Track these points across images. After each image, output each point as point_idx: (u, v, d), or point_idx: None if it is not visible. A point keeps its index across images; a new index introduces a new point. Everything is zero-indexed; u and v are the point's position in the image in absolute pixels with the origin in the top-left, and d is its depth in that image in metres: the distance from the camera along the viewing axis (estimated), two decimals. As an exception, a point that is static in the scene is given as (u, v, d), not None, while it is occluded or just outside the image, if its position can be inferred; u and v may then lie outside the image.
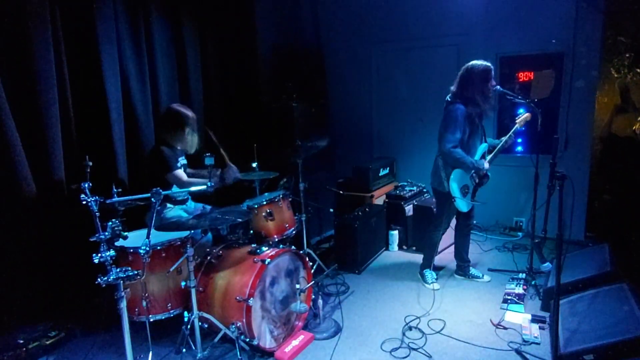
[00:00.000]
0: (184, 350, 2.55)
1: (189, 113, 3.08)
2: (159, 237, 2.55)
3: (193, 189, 2.83)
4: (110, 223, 2.01)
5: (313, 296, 3.01)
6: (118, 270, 1.99)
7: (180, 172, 2.99)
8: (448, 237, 3.87)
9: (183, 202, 3.19)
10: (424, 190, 4.59)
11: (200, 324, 2.53)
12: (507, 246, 4.30)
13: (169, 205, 3.08)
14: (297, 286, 2.83)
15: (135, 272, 2.03)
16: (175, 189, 2.94)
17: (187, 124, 3.04)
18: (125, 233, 2.05)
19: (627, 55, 4.02)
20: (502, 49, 4.42)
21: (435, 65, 4.81)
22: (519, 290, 3.22)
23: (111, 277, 1.96)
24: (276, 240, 3.12)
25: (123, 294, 2.03)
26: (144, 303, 2.49)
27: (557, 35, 4.13)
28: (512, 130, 3.29)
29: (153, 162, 3.01)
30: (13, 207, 2.64)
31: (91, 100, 3.06)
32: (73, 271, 2.89)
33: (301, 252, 2.98)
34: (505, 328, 2.82)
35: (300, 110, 4.30)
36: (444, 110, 3.16)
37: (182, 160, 3.12)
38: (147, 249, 2.14)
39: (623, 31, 4.00)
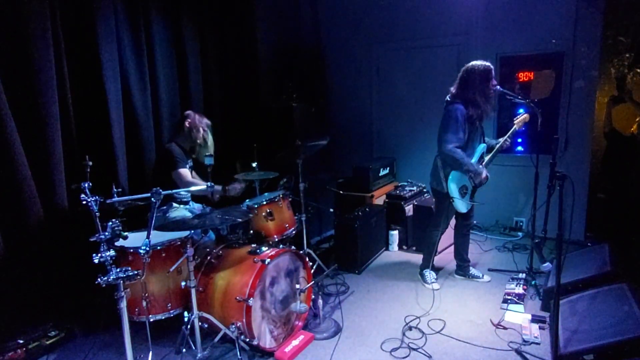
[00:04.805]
0: (184, 350, 2.55)
1: (204, 119, 3.26)
2: (159, 237, 2.55)
3: (193, 188, 2.86)
4: (110, 223, 2.01)
5: (313, 296, 3.01)
6: (118, 270, 1.99)
7: (185, 171, 3.06)
8: (448, 237, 3.87)
9: (187, 202, 3.21)
10: (424, 190, 4.59)
11: (200, 324, 2.53)
12: (507, 246, 4.30)
13: (174, 205, 3.10)
14: (297, 286, 2.83)
15: (135, 272, 2.03)
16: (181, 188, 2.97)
17: (201, 129, 3.19)
18: (125, 233, 2.05)
19: (627, 55, 4.03)
20: (502, 49, 4.42)
21: (435, 65, 4.81)
22: (519, 290, 3.22)
23: (111, 277, 1.96)
24: (276, 240, 3.12)
25: (123, 294, 2.03)
26: (144, 303, 2.49)
27: (557, 35, 4.13)
28: (511, 131, 3.29)
29: (161, 160, 3.14)
30: (13, 207, 2.64)
31: (91, 100, 3.06)
32: (73, 271, 2.89)
33: (301, 252, 2.98)
34: (505, 328, 2.82)
35: (300, 110, 4.31)
36: (443, 110, 3.16)
37: (190, 163, 3.19)
38: (147, 249, 2.14)
39: (623, 31, 4.00)
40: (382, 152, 5.35)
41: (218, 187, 3.09)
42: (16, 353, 2.54)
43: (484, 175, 3.20)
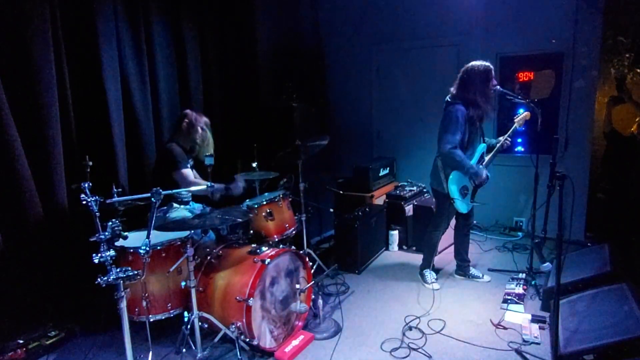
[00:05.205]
0: (184, 350, 2.55)
1: (202, 117, 3.23)
2: (159, 237, 2.55)
3: (194, 188, 2.86)
4: (110, 223, 2.01)
5: (313, 296, 3.01)
6: (118, 270, 1.99)
7: (188, 171, 3.07)
8: (448, 238, 3.87)
9: (187, 202, 3.20)
10: (424, 190, 4.59)
11: (200, 324, 2.53)
12: (507, 246, 4.30)
13: (174, 205, 3.09)
14: (297, 286, 2.83)
15: (135, 272, 2.03)
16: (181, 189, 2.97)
17: (199, 128, 3.17)
18: (125, 233, 2.05)
19: (627, 55, 4.02)
20: (502, 49, 4.42)
21: (435, 65, 4.81)
22: (519, 290, 3.22)
23: (111, 277, 1.96)
24: (276, 240, 3.12)
25: (123, 294, 2.03)
26: (144, 303, 2.49)
27: (557, 35, 4.13)
28: (511, 130, 3.30)
29: (162, 160, 3.12)
30: (13, 207, 2.64)
31: (91, 100, 3.06)
32: (73, 271, 2.89)
33: (301, 252, 2.98)
34: (505, 328, 2.82)
35: (300, 110, 4.30)
36: (443, 111, 3.16)
37: (190, 163, 3.20)
38: (147, 249, 2.14)
39: (623, 31, 4.00)
40: (382, 152, 5.35)
41: (220, 186, 3.09)
42: (16, 353, 2.54)
43: (484, 176, 3.21)
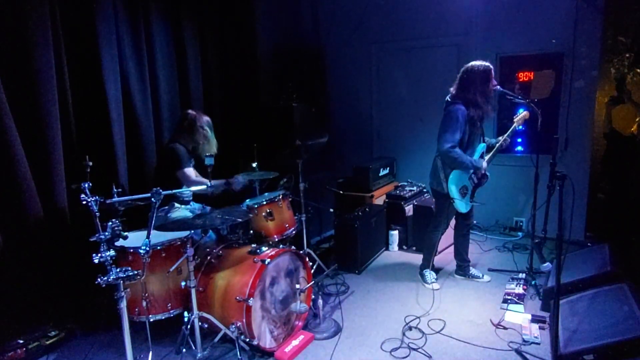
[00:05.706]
0: (184, 350, 2.55)
1: (203, 117, 3.22)
2: (159, 237, 2.55)
3: (194, 188, 2.86)
4: (110, 223, 2.01)
5: (313, 296, 3.01)
6: (118, 270, 1.99)
7: (191, 170, 3.07)
8: (448, 238, 3.87)
9: (188, 202, 3.21)
10: (424, 190, 4.59)
11: (200, 324, 2.53)
12: (507, 246, 4.30)
13: (176, 205, 3.09)
14: (297, 286, 2.83)
15: (135, 272, 2.03)
16: (183, 188, 2.99)
17: (200, 127, 3.17)
18: (125, 233, 2.05)
19: (627, 55, 4.02)
20: (502, 49, 4.42)
21: (435, 65, 4.81)
22: (519, 290, 3.22)
23: (111, 277, 1.96)
24: (276, 240, 3.12)
25: (123, 294, 2.03)
26: (144, 303, 2.49)
27: (557, 35, 4.13)
28: (510, 130, 3.30)
29: (165, 159, 3.12)
30: (13, 206, 2.64)
31: (91, 100, 3.07)
32: (73, 271, 2.89)
33: (301, 252, 2.98)
34: (505, 328, 2.82)
35: (300, 110, 4.30)
36: (444, 111, 3.16)
37: (192, 162, 3.20)
38: (147, 249, 2.14)
39: (623, 31, 4.00)
40: (382, 152, 5.35)
41: (220, 181, 3.08)
42: (16, 353, 2.54)
43: (484, 167, 3.19)
